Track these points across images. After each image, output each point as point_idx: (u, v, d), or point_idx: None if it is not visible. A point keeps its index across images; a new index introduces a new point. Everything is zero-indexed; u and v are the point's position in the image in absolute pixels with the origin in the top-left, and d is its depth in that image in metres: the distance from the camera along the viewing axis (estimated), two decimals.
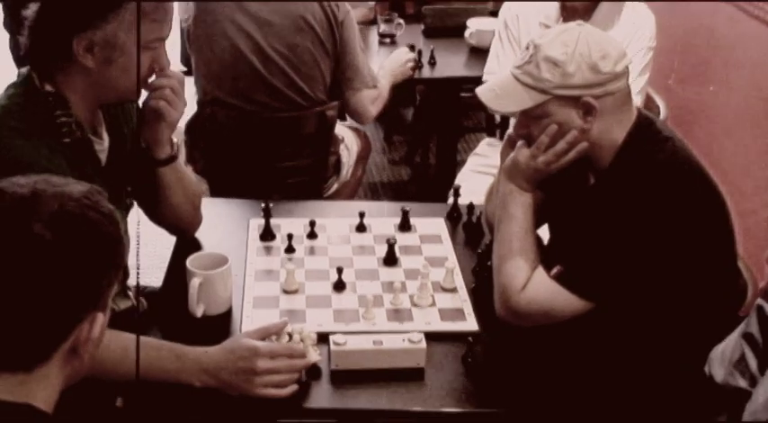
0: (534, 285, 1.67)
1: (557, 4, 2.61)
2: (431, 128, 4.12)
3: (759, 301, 1.46)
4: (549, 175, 1.70)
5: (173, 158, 1.87)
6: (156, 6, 1.68)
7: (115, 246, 1.14)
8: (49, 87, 1.67)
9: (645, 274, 1.60)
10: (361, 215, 2.10)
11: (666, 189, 1.62)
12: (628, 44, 2.45)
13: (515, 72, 1.66)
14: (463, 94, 3.82)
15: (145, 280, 2.10)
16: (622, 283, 1.61)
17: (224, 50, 2.60)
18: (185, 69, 2.92)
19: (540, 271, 1.68)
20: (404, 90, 4.56)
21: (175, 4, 1.76)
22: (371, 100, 2.82)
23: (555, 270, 1.67)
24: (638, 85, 2.48)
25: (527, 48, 1.66)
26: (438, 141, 3.93)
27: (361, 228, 2.10)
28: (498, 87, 1.70)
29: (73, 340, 1.10)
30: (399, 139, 4.67)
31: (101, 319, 1.12)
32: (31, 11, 1.68)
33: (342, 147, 3.00)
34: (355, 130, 3.30)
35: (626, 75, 1.65)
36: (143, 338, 1.58)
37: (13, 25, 3.34)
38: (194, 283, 1.73)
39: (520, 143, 1.72)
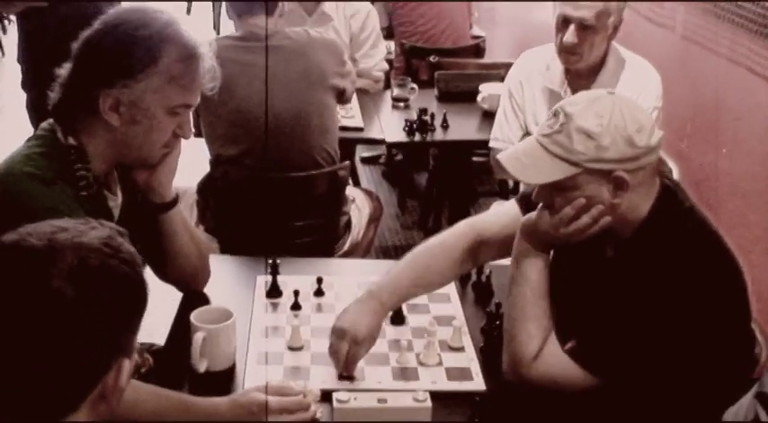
0: (546, 358, 1.63)
1: (561, 69, 2.63)
2: (444, 192, 4.13)
3: None
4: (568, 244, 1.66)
5: (175, 202, 1.87)
6: (185, 73, 1.70)
7: (139, 291, 1.11)
8: (71, 141, 1.70)
9: (663, 351, 1.56)
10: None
11: (688, 267, 1.57)
12: None
13: (543, 141, 1.58)
14: (476, 159, 3.85)
15: (153, 339, 2.10)
16: (638, 361, 1.57)
17: (234, 110, 2.63)
18: (194, 131, 2.96)
19: (554, 341, 1.64)
20: (417, 154, 4.63)
21: (204, 75, 1.76)
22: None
23: (569, 345, 1.63)
24: None
25: (555, 115, 1.58)
26: (450, 206, 3.93)
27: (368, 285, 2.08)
28: (524, 156, 1.61)
29: (101, 389, 1.07)
30: (413, 203, 4.68)
31: (127, 364, 1.09)
32: (64, 69, 1.72)
33: (353, 207, 3.01)
34: (367, 192, 3.32)
35: (659, 148, 1.58)
36: (151, 387, 1.58)
37: (35, 83, 3.39)
38: (198, 337, 1.71)
39: (541, 205, 1.66)
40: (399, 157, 4.95)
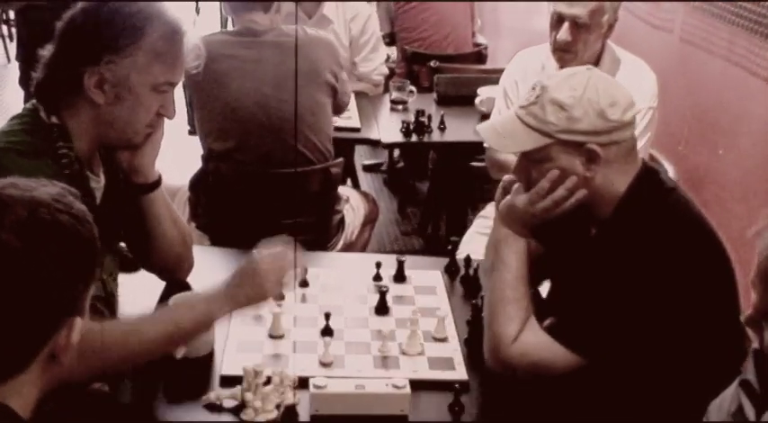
0: (526, 337, 1.61)
1: (556, 68, 2.61)
2: (443, 199, 4.10)
3: (755, 344, 1.39)
4: (547, 222, 1.65)
5: (158, 183, 1.85)
6: (169, 50, 1.70)
7: (89, 248, 1.10)
8: (54, 119, 1.69)
9: (643, 330, 1.54)
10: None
11: (669, 244, 1.56)
12: None
13: (519, 112, 1.61)
14: (474, 164, 3.82)
15: None
16: (619, 339, 1.55)
17: (227, 104, 2.62)
18: (190, 129, 2.95)
19: (533, 322, 1.63)
20: (418, 161, 4.62)
21: (187, 52, 1.76)
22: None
23: (548, 322, 1.61)
24: (639, 145, 2.45)
25: (533, 88, 1.61)
26: (448, 212, 3.91)
27: (354, 277, 2.06)
28: (500, 126, 1.66)
29: (51, 347, 1.06)
30: (413, 210, 4.66)
31: (79, 323, 1.08)
32: (47, 50, 1.71)
33: (347, 207, 2.98)
34: (363, 193, 3.29)
35: (633, 125, 1.61)
36: (149, 315, 1.65)
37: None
38: None
39: (516, 186, 1.68)
40: (401, 164, 4.93)
